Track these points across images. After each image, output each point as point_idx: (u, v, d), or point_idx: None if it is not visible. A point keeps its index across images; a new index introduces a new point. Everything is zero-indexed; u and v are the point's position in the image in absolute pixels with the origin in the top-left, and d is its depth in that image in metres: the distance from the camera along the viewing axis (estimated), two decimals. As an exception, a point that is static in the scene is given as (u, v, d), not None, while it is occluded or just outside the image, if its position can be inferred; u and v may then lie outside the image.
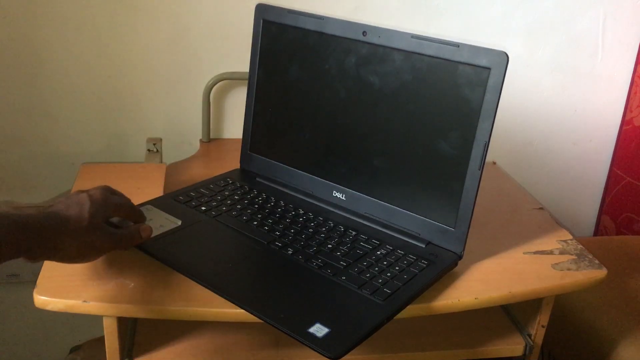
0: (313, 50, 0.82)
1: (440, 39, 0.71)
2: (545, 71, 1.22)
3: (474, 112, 0.70)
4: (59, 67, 1.07)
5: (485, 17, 1.17)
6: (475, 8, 1.15)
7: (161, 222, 0.75)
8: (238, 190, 0.86)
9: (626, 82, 1.25)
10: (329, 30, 0.80)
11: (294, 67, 0.84)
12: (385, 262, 0.71)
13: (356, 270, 0.69)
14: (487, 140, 0.70)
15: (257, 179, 0.89)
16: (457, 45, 0.70)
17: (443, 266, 0.72)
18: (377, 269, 0.70)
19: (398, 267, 0.70)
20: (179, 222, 0.76)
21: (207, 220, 0.78)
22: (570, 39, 1.20)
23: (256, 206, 0.82)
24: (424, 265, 0.71)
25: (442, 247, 0.75)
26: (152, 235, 0.72)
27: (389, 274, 0.69)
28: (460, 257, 0.74)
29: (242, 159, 0.92)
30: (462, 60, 0.70)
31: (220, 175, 0.90)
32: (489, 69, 0.68)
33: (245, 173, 0.91)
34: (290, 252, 0.71)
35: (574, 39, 1.20)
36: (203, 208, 0.80)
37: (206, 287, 0.65)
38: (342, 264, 0.70)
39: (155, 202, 0.80)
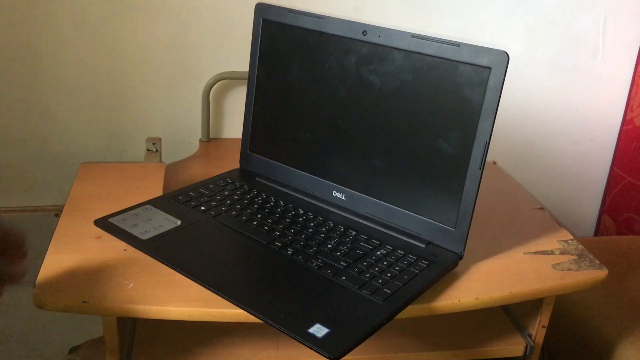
0: (313, 50, 0.82)
1: (441, 39, 0.71)
2: (546, 71, 1.22)
3: (475, 112, 0.70)
4: (59, 66, 1.07)
5: (486, 17, 1.16)
6: (476, 8, 1.15)
7: (160, 222, 0.75)
8: (238, 190, 0.86)
9: (627, 82, 1.25)
10: (328, 29, 0.80)
11: (294, 67, 0.84)
12: (385, 262, 0.71)
13: (356, 270, 0.69)
14: (487, 140, 0.70)
15: (257, 178, 0.89)
16: (457, 44, 0.70)
17: (443, 266, 0.72)
18: (377, 269, 0.69)
19: (398, 267, 0.70)
20: (179, 222, 0.76)
21: (206, 220, 0.77)
22: (570, 38, 1.20)
23: (256, 206, 0.82)
24: (424, 266, 0.71)
25: (442, 247, 0.75)
26: (151, 235, 0.72)
27: (389, 274, 0.69)
28: (460, 257, 0.74)
29: (242, 159, 0.92)
30: (462, 59, 0.70)
31: (220, 175, 0.90)
32: (490, 68, 0.68)
33: (244, 173, 0.91)
34: (290, 252, 0.71)
35: (574, 38, 1.20)
36: (202, 208, 0.80)
37: (206, 287, 0.65)
38: (342, 264, 0.70)
39: (154, 202, 0.80)
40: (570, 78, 1.23)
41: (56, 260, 0.71)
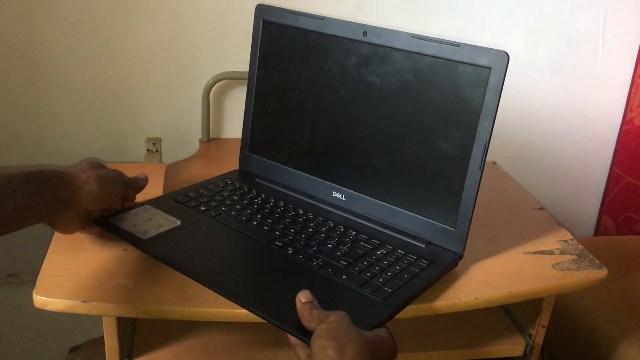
0: (313, 51, 0.82)
1: (441, 39, 0.71)
2: (546, 71, 1.22)
3: (475, 112, 0.70)
4: (59, 66, 1.07)
5: (486, 17, 1.16)
6: (476, 8, 1.15)
7: (160, 222, 0.75)
8: (237, 190, 0.86)
9: (626, 82, 1.25)
10: (329, 30, 0.80)
11: (294, 68, 0.84)
12: (385, 262, 0.71)
13: (357, 269, 0.69)
14: (487, 139, 0.70)
15: (257, 179, 0.89)
16: (457, 45, 0.70)
17: (443, 266, 0.72)
18: (377, 268, 0.69)
19: (398, 266, 0.70)
20: (178, 222, 0.76)
21: (206, 220, 0.77)
22: (570, 38, 1.20)
23: (255, 206, 0.81)
24: (425, 265, 0.71)
25: (442, 247, 0.75)
26: (151, 235, 0.72)
27: (389, 274, 0.69)
28: (460, 257, 0.74)
29: (241, 160, 0.92)
30: (462, 60, 0.70)
31: (220, 176, 0.90)
32: (490, 68, 0.68)
33: (244, 174, 0.91)
34: (290, 252, 0.71)
35: (574, 38, 1.20)
36: (202, 208, 0.80)
37: (207, 286, 0.64)
38: (342, 264, 0.70)
39: (154, 202, 0.80)
40: (570, 78, 1.23)
41: (56, 260, 0.71)
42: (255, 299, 0.63)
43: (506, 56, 0.67)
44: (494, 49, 0.68)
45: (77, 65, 1.08)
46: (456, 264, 0.74)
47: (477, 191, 0.71)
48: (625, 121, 1.27)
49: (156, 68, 1.10)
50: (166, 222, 0.75)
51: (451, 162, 0.73)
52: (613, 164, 1.31)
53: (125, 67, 1.09)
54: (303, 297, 0.58)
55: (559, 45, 1.20)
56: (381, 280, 0.67)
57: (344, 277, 0.67)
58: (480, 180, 0.71)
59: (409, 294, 0.66)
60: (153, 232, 0.73)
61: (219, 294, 0.64)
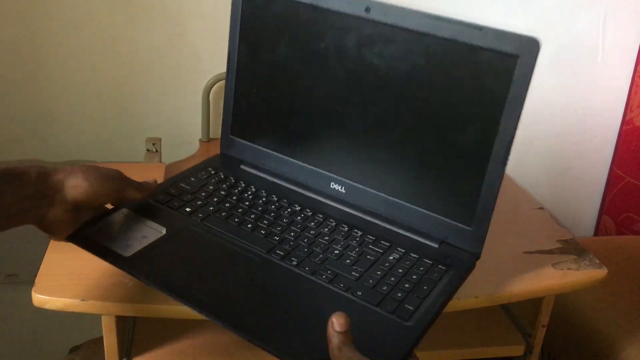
0: (306, 26, 0.71)
1: (461, 20, 0.63)
2: (545, 71, 1.22)
3: (498, 104, 0.63)
4: (59, 67, 1.07)
5: (486, 17, 1.16)
6: (476, 8, 1.15)
7: (143, 232, 0.64)
8: (223, 183, 0.75)
9: (626, 82, 1.25)
10: (325, 4, 0.69)
11: (284, 44, 0.74)
12: (400, 270, 0.64)
13: (370, 282, 0.61)
14: (513, 134, 0.63)
15: (242, 166, 0.79)
16: (480, 28, 0.62)
17: (462, 272, 0.64)
18: (392, 279, 0.62)
19: (415, 275, 0.63)
20: (164, 231, 0.65)
21: (194, 226, 0.67)
22: (570, 39, 1.20)
23: (247, 202, 0.72)
24: (443, 271, 0.64)
25: (457, 247, 0.67)
26: (135, 250, 0.62)
27: (406, 285, 0.61)
28: (477, 258, 0.68)
29: (223, 144, 0.81)
30: (485, 45, 0.62)
31: (200, 164, 0.79)
32: (517, 56, 0.60)
33: (227, 159, 0.80)
34: (294, 264, 0.63)
35: (574, 38, 1.20)
36: (187, 209, 0.69)
37: (208, 316, 0.56)
38: (354, 275, 0.62)
39: (131, 205, 0.68)
40: (570, 78, 1.23)
41: (55, 259, 0.71)
42: (263, 330, 0.55)
43: (537, 44, 0.59)
44: (523, 35, 0.60)
45: (77, 66, 1.08)
46: (474, 266, 0.66)
47: (499, 189, 0.65)
48: (625, 121, 1.27)
49: (156, 68, 1.10)
50: (150, 231, 0.65)
51: (469, 157, 0.66)
52: (613, 164, 1.31)
53: (125, 67, 1.09)
54: (337, 324, 0.49)
55: (559, 45, 1.20)
56: (399, 295, 0.60)
57: (359, 293, 0.60)
58: (502, 177, 0.65)
59: (432, 311, 0.58)
60: (137, 246, 0.62)
61: (224, 326, 0.55)
